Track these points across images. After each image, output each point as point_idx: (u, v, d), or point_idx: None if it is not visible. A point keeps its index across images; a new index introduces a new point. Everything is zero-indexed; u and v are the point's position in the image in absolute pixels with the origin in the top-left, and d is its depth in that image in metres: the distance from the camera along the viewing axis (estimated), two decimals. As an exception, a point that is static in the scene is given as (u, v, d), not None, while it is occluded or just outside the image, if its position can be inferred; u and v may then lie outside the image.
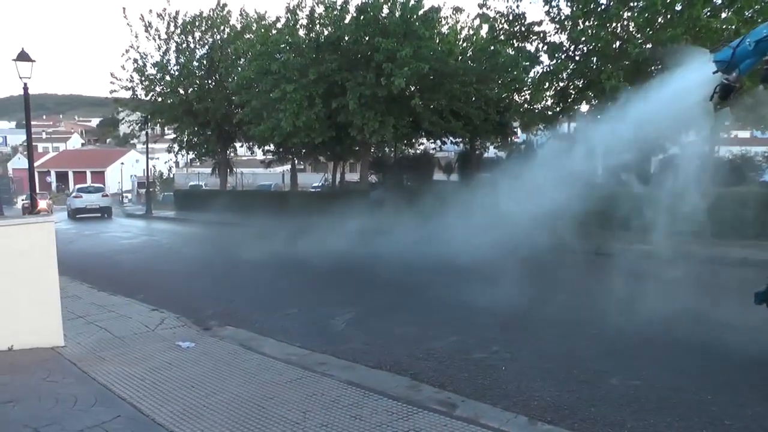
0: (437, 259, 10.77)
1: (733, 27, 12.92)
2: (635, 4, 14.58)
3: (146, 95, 28.15)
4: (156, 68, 27.50)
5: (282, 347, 6.11)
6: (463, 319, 7.22)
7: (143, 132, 31.63)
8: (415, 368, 5.44)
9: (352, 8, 19.78)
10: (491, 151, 27.78)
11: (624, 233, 11.07)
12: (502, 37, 17.43)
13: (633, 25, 14.84)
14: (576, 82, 16.86)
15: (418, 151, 29.29)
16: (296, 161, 32.81)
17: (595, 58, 15.73)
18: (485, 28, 18.80)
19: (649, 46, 14.23)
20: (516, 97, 21.03)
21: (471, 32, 22.68)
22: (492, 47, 17.89)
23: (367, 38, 19.18)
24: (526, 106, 19.26)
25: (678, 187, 7.47)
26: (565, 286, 9.24)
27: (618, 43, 15.30)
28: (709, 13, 13.91)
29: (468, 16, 20.99)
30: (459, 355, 5.88)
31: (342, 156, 27.99)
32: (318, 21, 20.54)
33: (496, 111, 21.22)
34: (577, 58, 16.23)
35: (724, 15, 13.64)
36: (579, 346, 6.09)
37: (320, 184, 35.75)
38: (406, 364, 5.55)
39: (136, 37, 33.87)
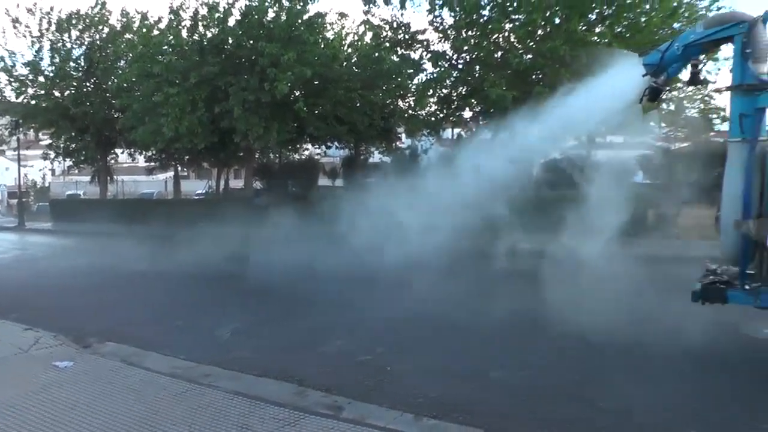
0: (324, 266, 10.86)
1: (607, 40, 14.00)
2: (516, 16, 15.44)
3: (17, 97, 26.12)
4: (28, 68, 25.61)
5: (167, 361, 5.99)
6: (349, 324, 7.41)
7: (13, 137, 29.33)
8: (301, 374, 5.54)
9: (236, 11, 19.48)
10: (376, 156, 28.33)
11: (517, 234, 11.62)
12: (386, 44, 17.86)
13: (514, 36, 15.68)
14: (459, 89, 17.60)
15: (302, 157, 29.17)
16: (179, 168, 31.74)
17: (477, 67, 16.49)
18: (370, 34, 19.19)
19: (530, 56, 15.11)
20: (400, 103, 21.55)
21: (356, 38, 22.96)
22: (376, 54, 18.26)
23: (251, 42, 18.97)
24: (410, 112, 19.83)
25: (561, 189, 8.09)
26: (451, 288, 9.62)
27: (500, 53, 16.14)
28: (584, 28, 14.99)
29: (353, 22, 21.25)
30: (345, 358, 6.06)
31: (226, 162, 27.41)
32: (201, 23, 20.02)
33: (381, 117, 21.62)
34: (460, 66, 16.95)
35: (598, 29, 14.74)
36: (461, 345, 6.45)
37: (204, 191, 34.71)
38: (293, 371, 5.64)
39: (3, 33, 31.33)
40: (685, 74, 6.64)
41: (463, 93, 17.22)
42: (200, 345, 6.67)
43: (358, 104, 20.52)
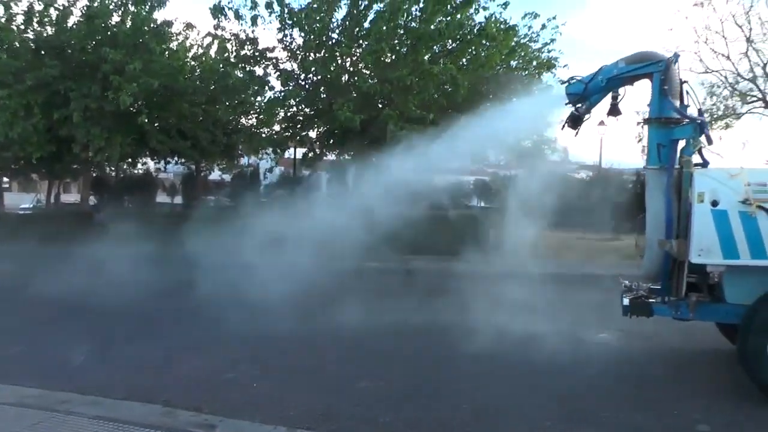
0: (178, 285, 10.53)
1: (452, 73, 15.03)
2: (364, 42, 16.08)
3: None
4: None
5: (13, 391, 5.54)
6: (211, 343, 7.35)
7: None
8: (166, 395, 5.43)
9: (78, 11, 18.16)
10: (216, 173, 27.83)
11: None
12: (232, 59, 17.64)
13: (362, 62, 16.30)
14: (306, 109, 17.87)
15: (139, 171, 27.72)
16: (2, 179, 28.61)
17: (323, 88, 16.85)
18: (216, 47, 18.84)
19: (376, 81, 15.78)
20: (243, 120, 21.26)
21: (201, 51, 22.27)
22: (222, 68, 17.95)
23: (93, 45, 17.80)
24: (254, 129, 19.73)
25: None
26: (310, 304, 9.78)
27: (347, 76, 16.66)
28: (430, 59, 15.99)
29: (198, 34, 20.49)
30: (209, 377, 6.03)
31: (59, 174, 25.26)
32: (36, 19, 18.37)
33: (224, 133, 21.16)
34: (307, 86, 17.22)
35: (442, 62, 15.79)
36: (326, 357, 6.69)
37: (31, 205, 31.63)
38: (157, 392, 5.51)
39: None
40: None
41: (310, 113, 17.51)
42: (49, 371, 6.24)
43: (201, 119, 19.95)
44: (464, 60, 16.65)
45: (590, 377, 6.00)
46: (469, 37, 16.35)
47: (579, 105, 6.83)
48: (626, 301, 6.31)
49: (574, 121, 6.94)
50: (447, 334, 7.36)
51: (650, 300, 6.24)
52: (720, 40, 18.89)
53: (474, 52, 16.76)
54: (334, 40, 16.35)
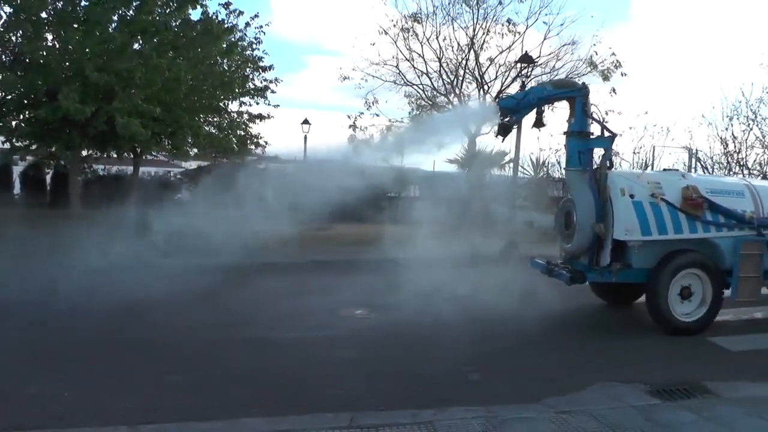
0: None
1: (183, 71, 14.99)
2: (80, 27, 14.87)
3: None
4: None
5: None
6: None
7: None
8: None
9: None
10: None
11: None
12: None
13: (88, 50, 14.94)
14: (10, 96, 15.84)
15: None
16: None
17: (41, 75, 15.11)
18: None
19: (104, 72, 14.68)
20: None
21: None
22: None
23: None
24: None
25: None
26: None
27: (69, 64, 15.12)
28: (155, 53, 15.45)
29: None
30: (9, 392, 5.60)
31: None
32: None
33: None
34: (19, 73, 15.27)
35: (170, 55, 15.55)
36: (132, 360, 6.67)
37: None
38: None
39: None
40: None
41: (28, 102, 15.65)
42: None
43: None
44: (187, 55, 16.65)
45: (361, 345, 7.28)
46: (193, 33, 16.48)
47: (508, 117, 8.43)
48: (566, 274, 8.26)
49: (504, 130, 8.57)
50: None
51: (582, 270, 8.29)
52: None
53: (196, 49, 16.87)
54: (45, 19, 14.87)
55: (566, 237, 8.48)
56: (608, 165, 8.18)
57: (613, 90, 19.64)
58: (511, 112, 8.44)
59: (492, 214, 15.72)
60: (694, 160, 19.39)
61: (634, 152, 20.02)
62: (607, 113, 18.86)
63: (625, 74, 19.80)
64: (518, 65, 17.39)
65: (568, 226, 8.39)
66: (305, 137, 27.17)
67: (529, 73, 16.91)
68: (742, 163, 19.79)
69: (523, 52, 17.50)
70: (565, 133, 8.50)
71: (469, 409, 5.14)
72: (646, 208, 7.88)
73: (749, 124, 20.10)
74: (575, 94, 8.29)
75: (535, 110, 8.52)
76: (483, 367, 6.46)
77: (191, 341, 7.32)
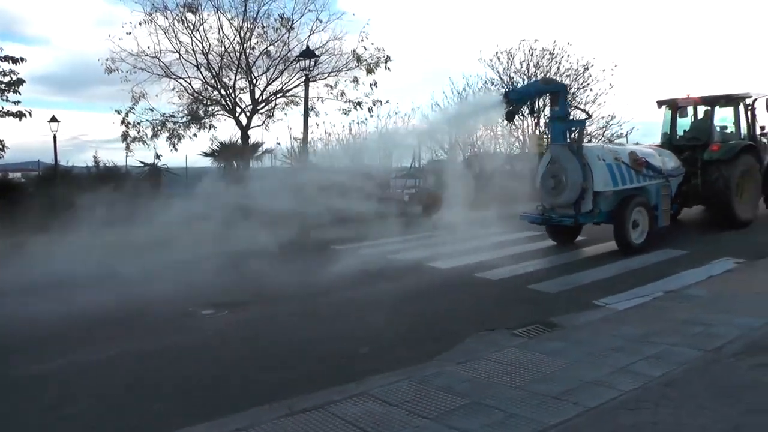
0: None
1: None
2: None
3: None
4: None
5: None
6: None
7: None
8: None
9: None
10: None
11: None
12: None
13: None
14: None
15: None
16: None
17: None
18: None
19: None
20: None
21: None
22: None
23: None
24: None
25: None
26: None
27: None
28: None
29: None
30: None
31: None
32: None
33: None
34: None
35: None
36: None
37: None
38: None
39: None
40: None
41: None
42: None
43: None
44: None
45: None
46: None
47: (513, 106, 10.62)
48: (563, 219, 10.87)
49: (510, 115, 10.95)
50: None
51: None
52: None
53: None
54: None
55: (555, 194, 10.81)
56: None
57: (375, 83, 20.91)
58: (516, 102, 10.72)
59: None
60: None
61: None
62: (374, 104, 20.09)
63: (389, 69, 21.28)
64: (300, 59, 17.70)
65: (556, 186, 10.71)
66: (54, 137, 24.13)
67: (311, 67, 17.29)
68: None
69: (306, 47, 17.83)
70: (550, 117, 11.30)
71: (386, 375, 5.27)
72: (613, 169, 10.82)
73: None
74: (560, 89, 11.30)
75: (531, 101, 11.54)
76: (364, 342, 6.55)
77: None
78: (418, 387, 4.87)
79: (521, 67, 23.60)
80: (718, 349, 5.44)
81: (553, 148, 11.07)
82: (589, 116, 11.24)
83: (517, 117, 13.42)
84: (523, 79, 23.04)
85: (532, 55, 23.40)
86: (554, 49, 23.48)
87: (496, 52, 23.96)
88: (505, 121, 11.84)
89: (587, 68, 23.42)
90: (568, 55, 23.48)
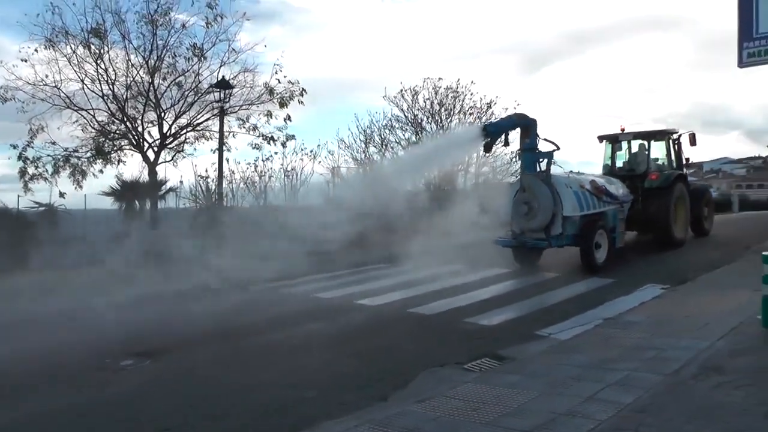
0: None
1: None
2: None
3: None
4: None
5: None
6: None
7: None
8: None
9: None
10: None
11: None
12: None
13: None
14: None
15: None
16: None
17: None
18: None
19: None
20: None
21: None
22: None
23: None
24: None
25: None
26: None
27: None
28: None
29: None
30: None
31: None
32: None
33: None
34: None
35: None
36: None
37: None
38: None
39: None
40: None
41: None
42: None
43: None
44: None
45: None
46: None
47: (489, 138, 11.50)
48: (543, 241, 11.64)
49: (488, 147, 11.89)
50: None
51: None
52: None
53: None
54: None
55: (528, 219, 11.54)
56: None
57: (288, 117, 20.16)
58: (493, 134, 11.49)
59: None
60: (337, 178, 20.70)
61: (285, 173, 20.09)
62: (288, 138, 19.39)
63: (302, 102, 20.65)
64: (212, 91, 16.85)
65: (529, 212, 11.44)
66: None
67: (227, 98, 16.57)
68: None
69: (222, 78, 17.09)
70: (520, 149, 12.04)
71: (342, 420, 4.76)
72: (579, 195, 11.71)
73: (382, 149, 23.25)
74: (530, 123, 11.87)
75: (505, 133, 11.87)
76: (303, 387, 5.98)
77: None
78: (383, 431, 4.40)
79: (425, 105, 23.98)
80: (676, 372, 5.38)
81: (524, 177, 11.84)
82: (558, 147, 11.70)
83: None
84: (427, 117, 23.49)
85: (436, 93, 23.87)
86: (458, 87, 24.05)
87: (401, 90, 24.13)
88: (483, 152, 13.04)
89: (490, 106, 24.06)
90: (472, 93, 24.11)
